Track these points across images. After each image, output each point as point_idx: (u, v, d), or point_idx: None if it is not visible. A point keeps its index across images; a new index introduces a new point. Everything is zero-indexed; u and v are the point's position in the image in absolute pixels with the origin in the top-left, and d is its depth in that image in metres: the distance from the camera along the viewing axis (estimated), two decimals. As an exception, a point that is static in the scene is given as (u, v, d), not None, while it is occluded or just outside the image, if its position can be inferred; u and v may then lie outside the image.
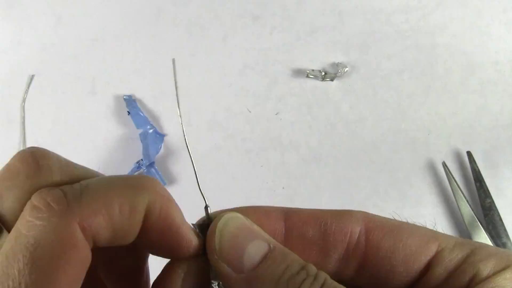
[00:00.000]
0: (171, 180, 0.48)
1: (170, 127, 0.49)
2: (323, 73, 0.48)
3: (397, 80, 0.49)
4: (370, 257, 0.22)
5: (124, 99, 0.48)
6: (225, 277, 0.21)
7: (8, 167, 0.21)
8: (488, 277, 0.20)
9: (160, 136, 0.48)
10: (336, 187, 0.49)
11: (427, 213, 0.48)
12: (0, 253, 0.18)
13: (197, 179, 0.24)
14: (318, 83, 0.49)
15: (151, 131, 0.48)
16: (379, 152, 0.49)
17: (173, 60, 0.25)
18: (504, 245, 0.46)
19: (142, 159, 0.47)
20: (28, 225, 0.18)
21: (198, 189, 0.24)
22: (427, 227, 0.23)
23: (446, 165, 0.48)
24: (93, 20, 0.49)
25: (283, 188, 0.49)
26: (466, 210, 0.46)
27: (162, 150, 0.48)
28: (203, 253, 0.22)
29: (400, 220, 0.23)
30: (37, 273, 0.17)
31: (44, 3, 0.49)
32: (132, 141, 0.48)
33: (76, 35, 0.49)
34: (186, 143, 0.23)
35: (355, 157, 0.49)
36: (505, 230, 0.46)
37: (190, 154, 0.24)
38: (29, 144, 0.49)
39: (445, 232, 0.23)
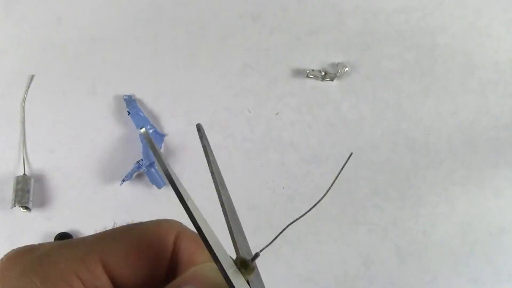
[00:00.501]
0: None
1: (170, 127, 0.49)
2: (323, 73, 0.48)
3: (397, 80, 0.49)
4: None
5: (124, 99, 0.48)
6: None
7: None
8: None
9: (160, 136, 0.48)
10: (336, 187, 0.49)
11: (427, 213, 0.48)
12: None
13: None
14: (318, 83, 0.49)
15: (151, 131, 0.48)
16: (379, 152, 0.49)
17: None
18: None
19: (142, 159, 0.47)
20: None
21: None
22: None
23: None
24: (93, 20, 0.49)
25: (283, 188, 0.49)
26: None
27: (162, 150, 0.48)
28: None
29: None
30: None
31: (44, 3, 0.49)
32: (132, 141, 0.48)
33: (76, 35, 0.49)
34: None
35: (355, 157, 0.49)
36: None
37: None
38: (30, 144, 0.49)
39: None
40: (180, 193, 0.18)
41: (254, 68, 0.49)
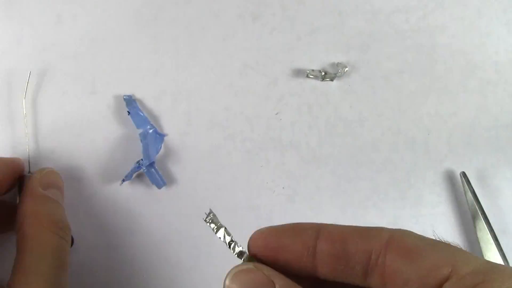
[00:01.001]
0: (171, 180, 0.48)
1: (170, 127, 0.49)
2: (323, 73, 0.48)
3: (397, 80, 0.49)
4: (388, 275, 0.23)
5: (124, 99, 0.48)
6: None
7: None
8: None
9: (160, 136, 0.48)
10: (336, 187, 0.49)
11: (427, 213, 0.48)
12: None
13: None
14: (318, 83, 0.49)
15: (151, 131, 0.48)
16: (379, 152, 0.49)
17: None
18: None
19: (142, 159, 0.47)
20: None
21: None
22: (451, 244, 0.23)
23: (465, 175, 0.47)
24: (93, 20, 0.49)
25: (283, 188, 0.49)
26: (484, 231, 0.45)
27: (162, 150, 0.48)
28: None
29: (427, 237, 0.24)
30: None
31: (44, 2, 0.49)
32: (132, 141, 0.48)
33: (76, 35, 0.49)
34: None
35: (355, 157, 0.49)
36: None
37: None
38: (29, 144, 0.49)
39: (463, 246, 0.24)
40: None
41: (254, 68, 0.49)
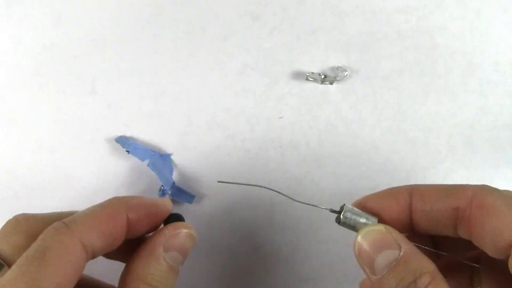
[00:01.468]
0: (197, 190, 0.48)
1: (170, 127, 0.49)
2: (322, 76, 0.48)
3: (397, 80, 0.49)
4: (473, 229, 0.27)
5: (117, 141, 0.47)
6: (366, 275, 0.28)
7: (5, 225, 0.29)
8: None
9: (166, 156, 0.48)
10: (336, 187, 0.49)
11: (427, 213, 0.48)
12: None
13: None
14: (318, 85, 0.49)
15: (155, 157, 0.47)
16: (379, 152, 0.49)
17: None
18: None
19: (162, 185, 0.47)
20: (39, 243, 0.26)
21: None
22: None
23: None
24: (93, 20, 0.49)
25: (283, 188, 0.49)
26: None
27: (172, 167, 0.48)
28: None
29: (509, 197, 0.27)
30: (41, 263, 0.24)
31: (44, 3, 0.49)
32: (145, 171, 0.48)
33: (76, 35, 0.49)
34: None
35: (355, 157, 0.49)
36: None
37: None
38: (30, 143, 0.49)
39: None
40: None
41: (254, 68, 0.49)
